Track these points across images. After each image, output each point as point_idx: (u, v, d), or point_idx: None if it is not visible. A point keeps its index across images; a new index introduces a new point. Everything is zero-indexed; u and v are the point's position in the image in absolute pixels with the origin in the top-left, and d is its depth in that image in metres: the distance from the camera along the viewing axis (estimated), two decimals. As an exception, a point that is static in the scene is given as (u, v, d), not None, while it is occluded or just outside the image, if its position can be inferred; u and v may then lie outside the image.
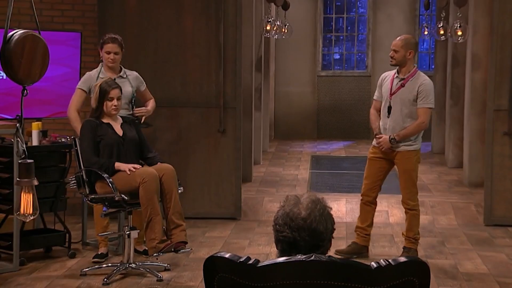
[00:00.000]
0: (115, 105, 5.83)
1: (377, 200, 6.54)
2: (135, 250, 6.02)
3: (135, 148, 5.95)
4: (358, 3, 16.77)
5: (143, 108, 6.49)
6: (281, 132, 15.92)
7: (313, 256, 2.27)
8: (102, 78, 6.10)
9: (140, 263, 5.92)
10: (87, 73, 6.41)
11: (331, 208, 2.49)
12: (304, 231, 2.40)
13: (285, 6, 12.21)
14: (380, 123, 6.41)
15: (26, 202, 3.05)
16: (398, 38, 6.38)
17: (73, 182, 5.86)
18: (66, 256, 6.37)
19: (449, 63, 11.60)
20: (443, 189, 9.42)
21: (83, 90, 6.30)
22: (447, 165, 11.30)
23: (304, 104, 16.29)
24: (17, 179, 3.08)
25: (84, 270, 5.87)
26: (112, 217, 6.23)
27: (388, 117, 6.33)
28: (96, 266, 5.97)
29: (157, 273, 5.75)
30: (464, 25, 9.76)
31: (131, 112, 6.34)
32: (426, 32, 13.21)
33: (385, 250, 6.79)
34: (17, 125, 3.21)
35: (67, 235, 6.43)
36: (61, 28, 7.67)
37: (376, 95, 6.54)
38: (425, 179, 9.96)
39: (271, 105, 15.04)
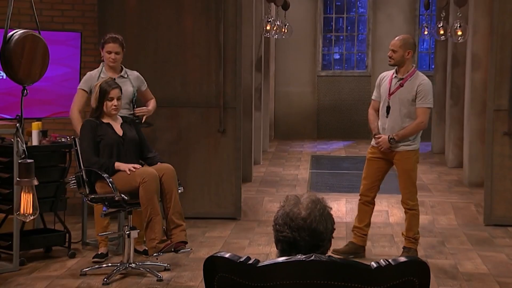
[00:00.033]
0: (115, 105, 5.83)
1: (375, 200, 6.55)
2: (135, 250, 6.02)
3: (135, 148, 5.95)
4: (358, 3, 16.77)
5: (144, 108, 6.49)
6: (281, 132, 15.92)
7: (313, 256, 2.27)
8: (103, 78, 6.11)
9: (140, 263, 5.92)
10: (88, 73, 6.41)
11: (331, 208, 2.49)
12: (304, 231, 2.40)
13: (285, 6, 12.20)
14: (379, 123, 6.41)
15: (26, 202, 3.05)
16: (396, 38, 6.38)
17: (73, 182, 5.86)
18: (66, 256, 6.37)
19: (449, 63, 11.60)
20: (443, 189, 9.42)
21: (84, 90, 6.30)
22: (447, 165, 11.30)
23: (304, 104, 16.29)
24: (17, 179, 3.08)
25: (84, 270, 5.87)
26: (112, 217, 6.23)
27: (387, 117, 6.33)
28: (96, 266, 5.97)
29: (157, 273, 5.75)
30: (464, 25, 9.76)
31: (132, 112, 6.34)
32: (426, 32, 13.21)
33: (385, 250, 6.79)
34: (17, 125, 3.21)
35: (67, 235, 6.43)
36: (61, 28, 7.67)
37: (374, 95, 6.55)
38: (425, 179, 9.97)
39: (271, 105, 15.04)
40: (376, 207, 6.71)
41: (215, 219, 7.76)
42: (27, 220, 3.28)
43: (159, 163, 5.91)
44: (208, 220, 7.72)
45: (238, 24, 7.73)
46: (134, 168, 5.67)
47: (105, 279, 5.60)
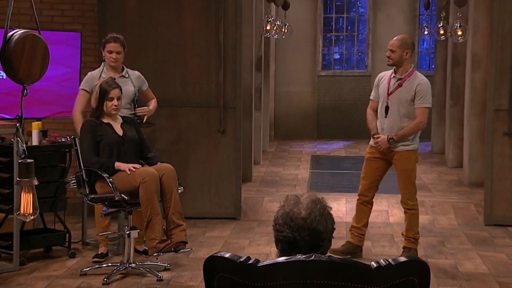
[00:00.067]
0: (115, 105, 5.83)
1: (374, 200, 6.55)
2: (135, 250, 6.02)
3: (135, 148, 5.95)
4: (358, 3, 16.77)
5: (145, 107, 6.49)
6: (281, 132, 15.92)
7: (313, 256, 2.27)
8: (104, 77, 6.11)
9: (140, 263, 5.92)
10: (89, 73, 6.42)
11: (331, 208, 2.49)
12: (304, 231, 2.40)
13: (285, 6, 12.21)
14: (378, 123, 6.42)
15: (26, 202, 3.05)
16: (394, 38, 6.39)
17: (73, 182, 5.86)
18: (66, 256, 6.37)
19: (449, 63, 11.60)
20: (443, 189, 9.42)
21: (86, 90, 6.30)
22: (447, 165, 11.30)
23: (304, 104, 16.29)
24: (17, 179, 3.08)
25: (84, 270, 5.87)
26: (112, 217, 6.23)
27: (386, 117, 6.34)
28: (96, 266, 5.97)
29: (157, 273, 5.75)
30: (464, 25, 9.76)
31: (133, 112, 6.34)
32: (426, 32, 13.21)
33: (385, 250, 6.79)
34: (17, 125, 3.21)
35: (67, 235, 6.44)
36: (61, 28, 7.67)
37: (372, 95, 6.55)
38: (425, 179, 9.96)
39: (271, 105, 15.04)
40: (376, 207, 6.72)
41: (215, 219, 7.76)
42: (27, 220, 3.28)
43: (159, 163, 5.91)
44: (208, 220, 7.72)
45: (238, 24, 7.73)
46: (134, 168, 5.67)
47: (105, 279, 5.60)
